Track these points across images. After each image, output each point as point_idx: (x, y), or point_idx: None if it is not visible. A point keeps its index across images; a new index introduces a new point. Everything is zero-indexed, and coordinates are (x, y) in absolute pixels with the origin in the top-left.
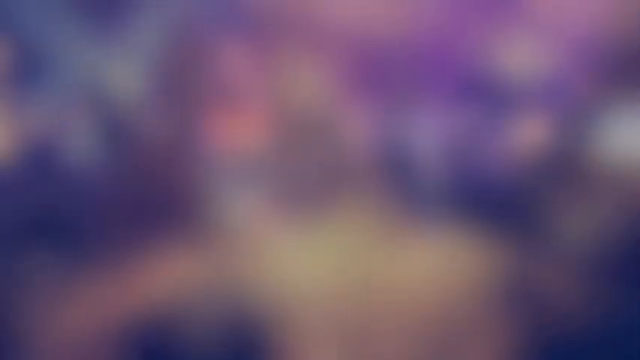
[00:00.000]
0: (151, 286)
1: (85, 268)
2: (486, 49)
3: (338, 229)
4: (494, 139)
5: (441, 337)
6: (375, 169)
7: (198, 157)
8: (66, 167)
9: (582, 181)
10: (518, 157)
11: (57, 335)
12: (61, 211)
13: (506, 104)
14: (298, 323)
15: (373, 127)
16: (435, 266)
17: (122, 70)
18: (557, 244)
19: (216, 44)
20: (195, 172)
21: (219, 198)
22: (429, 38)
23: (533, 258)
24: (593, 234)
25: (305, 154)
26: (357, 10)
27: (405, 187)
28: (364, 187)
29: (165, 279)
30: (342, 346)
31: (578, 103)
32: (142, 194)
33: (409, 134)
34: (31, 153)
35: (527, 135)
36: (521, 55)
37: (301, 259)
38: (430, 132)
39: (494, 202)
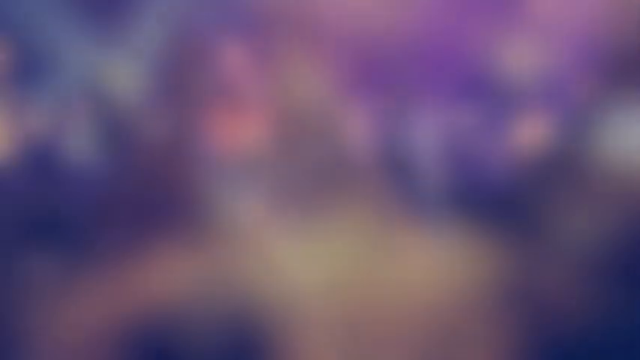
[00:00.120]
0: (151, 286)
1: (84, 268)
2: (487, 49)
3: (338, 229)
4: (494, 138)
5: (441, 337)
6: (375, 169)
7: (199, 157)
8: (66, 167)
9: (583, 180)
10: (519, 157)
11: (56, 335)
12: (61, 211)
13: (506, 104)
14: (298, 323)
15: (373, 127)
16: (435, 266)
17: (122, 70)
18: (557, 244)
19: (217, 44)
20: (196, 172)
21: (219, 198)
22: (429, 38)
23: (533, 258)
24: (594, 234)
25: (305, 154)
26: (357, 10)
27: (405, 187)
28: (364, 187)
29: (166, 279)
30: (343, 346)
31: (578, 103)
32: (142, 194)
33: (409, 134)
34: (31, 153)
35: (528, 135)
36: (522, 54)
37: (301, 259)
38: (430, 132)
39: (494, 202)
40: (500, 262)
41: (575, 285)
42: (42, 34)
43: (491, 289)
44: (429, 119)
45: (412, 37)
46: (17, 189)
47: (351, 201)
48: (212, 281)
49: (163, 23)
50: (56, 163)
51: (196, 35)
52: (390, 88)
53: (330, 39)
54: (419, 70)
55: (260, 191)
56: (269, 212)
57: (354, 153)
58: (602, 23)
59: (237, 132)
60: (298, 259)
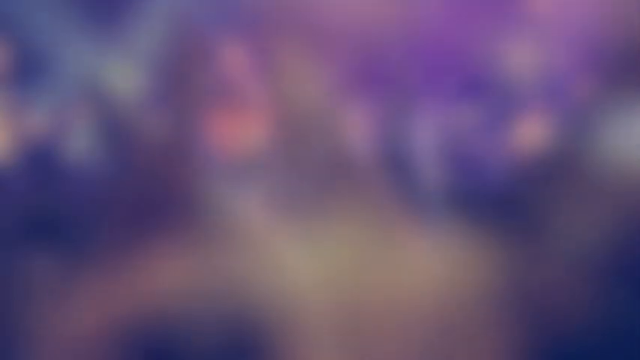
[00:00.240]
0: (151, 285)
1: (84, 268)
2: (487, 49)
3: (338, 229)
4: (494, 138)
5: (441, 338)
6: (375, 169)
7: (199, 157)
8: (66, 167)
9: (583, 180)
10: (519, 157)
11: (56, 335)
12: (61, 211)
13: (506, 104)
14: (298, 323)
15: (373, 127)
16: (435, 266)
17: (122, 70)
18: (557, 244)
19: (217, 44)
20: (196, 172)
21: (220, 198)
22: (429, 38)
23: (533, 258)
24: (594, 234)
25: (305, 154)
26: (357, 9)
27: (406, 188)
28: (365, 187)
29: (166, 279)
30: (343, 345)
31: (578, 103)
32: (142, 194)
33: (409, 134)
34: (31, 153)
35: (528, 135)
36: (522, 54)
37: (301, 258)
38: (430, 132)
39: (495, 202)
40: (501, 262)
41: (575, 285)
42: (42, 34)
43: (491, 289)
44: (429, 119)
45: (412, 37)
46: (17, 189)
47: (352, 201)
48: (212, 281)
49: (163, 23)
50: (56, 163)
51: (196, 35)
52: (390, 88)
53: (330, 39)
54: (419, 70)
55: (260, 191)
56: (269, 212)
57: (354, 153)
58: (602, 23)
59: (238, 132)
60: (298, 259)
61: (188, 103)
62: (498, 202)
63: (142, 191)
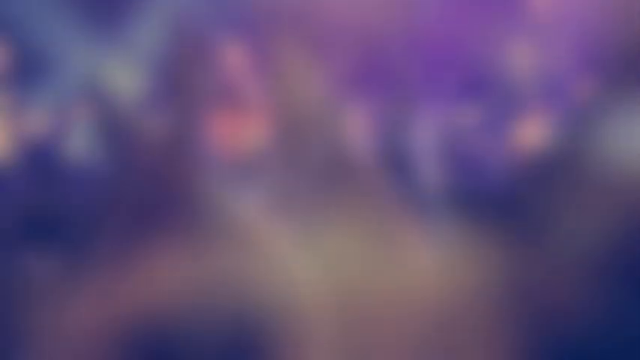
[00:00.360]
0: (151, 285)
1: (84, 268)
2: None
3: (338, 229)
4: (494, 138)
5: (442, 337)
6: (375, 168)
7: (199, 156)
8: (66, 167)
9: (583, 180)
10: (519, 156)
11: (56, 335)
12: (61, 211)
13: (506, 104)
14: (298, 323)
15: (373, 127)
16: (435, 266)
17: (122, 70)
18: (557, 244)
19: (217, 44)
20: (196, 171)
21: (220, 198)
22: (429, 38)
23: (533, 258)
24: (594, 234)
25: (305, 153)
26: (357, 10)
27: (406, 187)
28: (365, 187)
29: (166, 279)
30: (342, 345)
31: (578, 103)
32: (142, 194)
33: (409, 134)
34: (31, 153)
35: (528, 135)
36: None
37: (301, 258)
38: (430, 132)
39: (495, 201)
40: (501, 262)
41: (574, 285)
42: (42, 35)
43: (491, 288)
44: (429, 119)
45: (412, 37)
46: (17, 189)
47: (352, 201)
48: (212, 281)
49: (163, 23)
50: (56, 163)
51: (197, 35)
52: (390, 88)
53: (330, 39)
54: (419, 70)
55: (260, 191)
56: (269, 212)
57: (354, 153)
58: (602, 23)
59: (238, 132)
60: (298, 258)
61: (188, 103)
62: (498, 201)
63: (142, 191)
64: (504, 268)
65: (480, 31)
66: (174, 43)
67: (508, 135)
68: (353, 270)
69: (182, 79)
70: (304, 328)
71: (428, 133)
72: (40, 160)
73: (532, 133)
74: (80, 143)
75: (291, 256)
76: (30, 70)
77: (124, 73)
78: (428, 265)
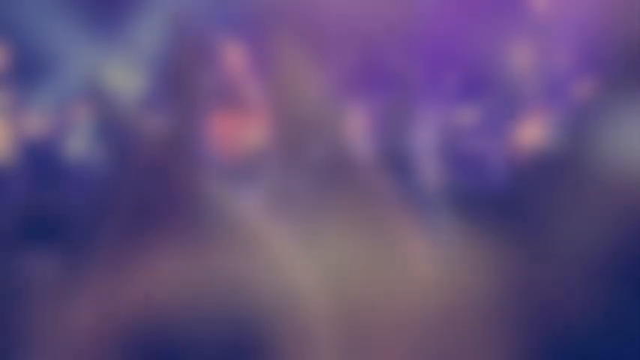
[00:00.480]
0: (151, 285)
1: (84, 268)
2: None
3: (338, 229)
4: (494, 138)
5: (441, 337)
6: (375, 169)
7: (199, 156)
8: (66, 167)
9: (583, 180)
10: (519, 157)
11: (56, 334)
12: (61, 211)
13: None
14: (298, 323)
15: (373, 127)
16: (435, 266)
17: (122, 70)
18: (557, 244)
19: (217, 44)
20: (196, 171)
21: (220, 198)
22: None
23: (533, 258)
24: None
25: (305, 153)
26: (357, 10)
27: (406, 187)
28: (364, 187)
29: (166, 279)
30: (342, 345)
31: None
32: (142, 194)
33: (410, 134)
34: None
35: (528, 135)
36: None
37: (301, 258)
38: (431, 131)
39: (495, 201)
40: (501, 262)
41: (575, 285)
42: (42, 34)
43: (491, 288)
44: (429, 119)
45: (412, 38)
46: (17, 189)
47: (351, 201)
48: (212, 281)
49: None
50: (56, 163)
51: (197, 35)
52: (390, 88)
53: (330, 39)
54: (419, 70)
55: (260, 191)
56: (269, 212)
57: (354, 153)
58: (601, 23)
59: (238, 132)
60: (298, 258)
61: (188, 103)
62: (498, 201)
63: (142, 191)
64: (504, 268)
65: (480, 31)
66: (174, 43)
67: (508, 135)
68: (353, 270)
69: (182, 79)
70: (304, 328)
71: (428, 133)
72: (40, 160)
73: (532, 133)
74: (80, 143)
75: (291, 256)
76: (30, 70)
77: (124, 73)
78: (428, 264)
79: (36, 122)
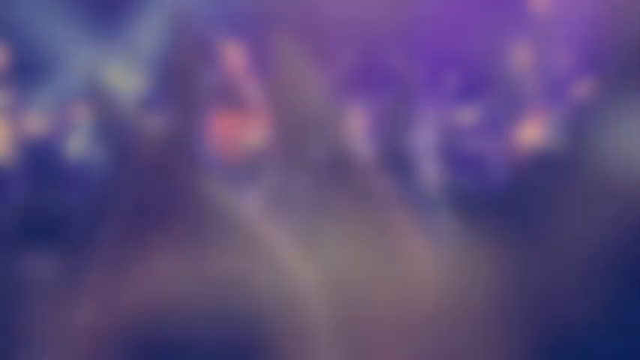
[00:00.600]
0: (151, 286)
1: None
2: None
3: (338, 229)
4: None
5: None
6: (375, 169)
7: (199, 156)
8: (66, 167)
9: (583, 180)
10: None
11: (55, 334)
12: (61, 211)
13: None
14: (298, 323)
15: (373, 127)
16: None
17: (123, 70)
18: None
19: (217, 44)
20: (196, 171)
21: (220, 198)
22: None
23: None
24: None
25: (305, 154)
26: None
27: (406, 187)
28: (364, 187)
29: (166, 279)
30: (342, 345)
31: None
32: (142, 194)
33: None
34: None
35: (528, 135)
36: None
37: (301, 258)
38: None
39: (495, 202)
40: (501, 262)
41: (575, 285)
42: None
43: (491, 288)
44: (429, 119)
45: (412, 38)
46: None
47: (352, 201)
48: (212, 281)
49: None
50: (56, 163)
51: (197, 35)
52: (390, 88)
53: (330, 39)
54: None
55: (260, 191)
56: (269, 212)
57: (354, 153)
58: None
59: (238, 132)
60: (298, 258)
61: (188, 103)
62: (498, 201)
63: (142, 191)
64: (504, 268)
65: (480, 31)
66: (174, 43)
67: (508, 135)
68: (353, 270)
69: (182, 79)
70: (304, 328)
71: (428, 133)
72: (40, 160)
73: (532, 133)
74: (80, 143)
75: (291, 256)
76: (30, 70)
77: (124, 73)
78: (428, 264)
79: (36, 122)
